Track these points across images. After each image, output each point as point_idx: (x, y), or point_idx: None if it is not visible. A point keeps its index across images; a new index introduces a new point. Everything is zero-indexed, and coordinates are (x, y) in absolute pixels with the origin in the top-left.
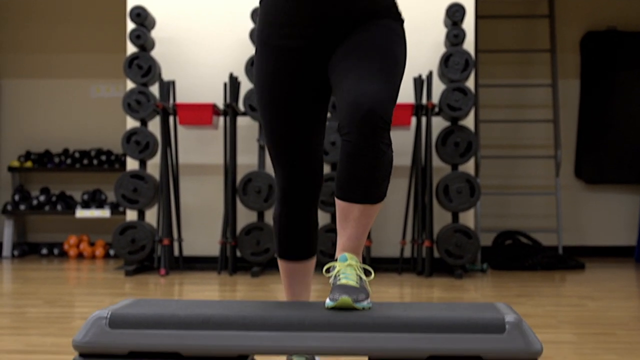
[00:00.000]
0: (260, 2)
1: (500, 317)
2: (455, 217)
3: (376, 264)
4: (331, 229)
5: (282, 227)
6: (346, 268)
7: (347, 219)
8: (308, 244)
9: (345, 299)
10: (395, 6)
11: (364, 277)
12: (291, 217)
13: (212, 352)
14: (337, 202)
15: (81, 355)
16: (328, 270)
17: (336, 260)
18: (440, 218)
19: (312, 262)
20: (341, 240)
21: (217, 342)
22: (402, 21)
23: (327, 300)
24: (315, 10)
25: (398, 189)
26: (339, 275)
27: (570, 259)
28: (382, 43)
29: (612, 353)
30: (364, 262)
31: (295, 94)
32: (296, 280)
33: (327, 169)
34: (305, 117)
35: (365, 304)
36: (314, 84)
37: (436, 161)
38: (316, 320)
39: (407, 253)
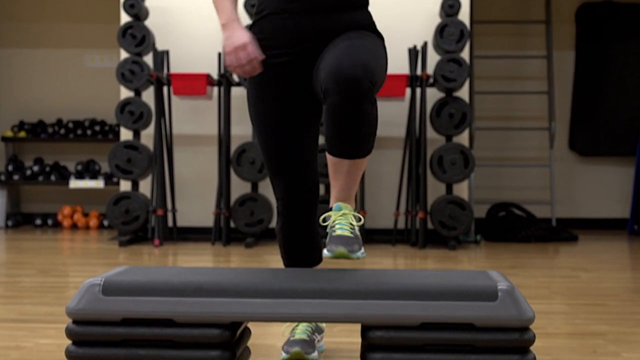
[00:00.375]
0: (250, 28)
1: (492, 284)
2: (449, 189)
3: (370, 235)
4: (325, 201)
5: (285, 239)
6: (341, 217)
7: (338, 172)
8: (312, 254)
9: (341, 250)
10: (374, 25)
11: (356, 224)
12: (292, 228)
13: (205, 319)
14: (328, 156)
15: (74, 322)
16: (325, 220)
17: (331, 209)
18: (434, 189)
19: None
20: (334, 191)
21: (210, 309)
22: (382, 38)
23: (325, 251)
24: (301, 30)
25: (392, 160)
26: (334, 226)
27: (563, 231)
28: (361, 36)
29: (604, 323)
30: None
31: (286, 107)
32: None
33: (320, 139)
34: (298, 129)
35: (359, 254)
36: (303, 97)
37: (430, 132)
38: (309, 288)
39: (401, 224)
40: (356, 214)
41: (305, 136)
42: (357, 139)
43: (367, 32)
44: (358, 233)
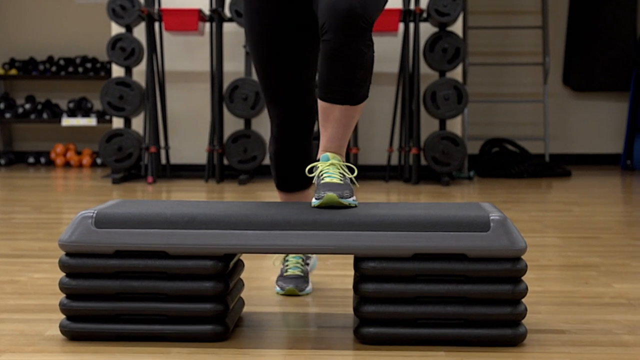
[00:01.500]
0: None
1: (485, 215)
2: (442, 125)
3: (363, 171)
4: (314, 138)
5: (279, 162)
6: (329, 167)
7: (328, 120)
8: (305, 177)
9: (330, 195)
10: None
11: (348, 174)
12: (287, 151)
13: (199, 251)
14: (319, 102)
15: (67, 254)
16: (310, 171)
17: (318, 160)
18: (428, 125)
19: (310, 190)
20: (323, 140)
21: (203, 241)
22: None
23: (313, 200)
24: None
25: (385, 96)
26: (322, 175)
27: (557, 167)
28: None
29: (596, 255)
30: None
31: (282, 25)
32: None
33: None
34: (295, 49)
35: (351, 200)
36: (301, 16)
37: (424, 68)
38: (302, 219)
39: (394, 160)
40: (349, 164)
41: (304, 60)
42: (351, 82)
43: None
44: (349, 182)
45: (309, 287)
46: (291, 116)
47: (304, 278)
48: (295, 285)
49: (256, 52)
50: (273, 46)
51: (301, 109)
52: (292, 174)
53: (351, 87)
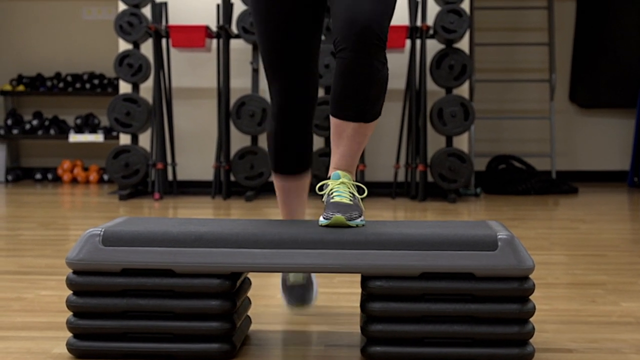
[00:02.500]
0: None
1: (492, 234)
2: (449, 141)
3: (370, 188)
4: (325, 153)
5: (278, 142)
6: (339, 185)
7: (341, 137)
8: (304, 158)
9: (338, 217)
10: None
11: (357, 194)
12: (287, 132)
13: (205, 269)
14: (332, 119)
15: (74, 272)
16: (321, 189)
17: (329, 178)
18: (434, 142)
19: (308, 177)
20: (334, 157)
21: (210, 259)
22: None
23: (321, 218)
24: None
25: (392, 112)
26: (332, 193)
27: (563, 184)
28: None
29: (602, 273)
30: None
31: (291, 4)
32: (291, 197)
33: (320, 92)
34: (301, 28)
35: (358, 221)
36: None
37: (430, 84)
38: (309, 238)
39: (401, 177)
40: (359, 184)
41: (309, 39)
42: (365, 99)
43: None
44: (359, 203)
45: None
46: (294, 92)
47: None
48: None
49: (262, 28)
50: (281, 20)
51: (305, 85)
52: (291, 155)
53: (365, 105)
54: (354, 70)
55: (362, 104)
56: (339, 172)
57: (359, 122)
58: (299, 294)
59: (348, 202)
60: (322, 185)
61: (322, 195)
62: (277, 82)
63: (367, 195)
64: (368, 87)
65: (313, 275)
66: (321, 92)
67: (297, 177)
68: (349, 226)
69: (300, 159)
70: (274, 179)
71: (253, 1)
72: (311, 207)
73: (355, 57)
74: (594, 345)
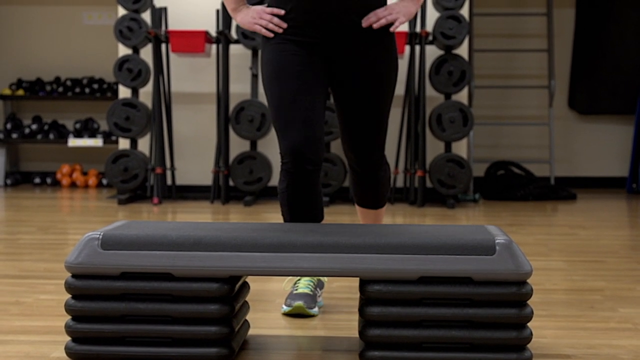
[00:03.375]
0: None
1: (490, 238)
2: (448, 147)
3: None
4: (324, 159)
5: (290, 198)
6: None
7: (366, 218)
8: (316, 211)
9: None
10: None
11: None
12: (298, 185)
13: (204, 273)
14: (357, 206)
15: (73, 276)
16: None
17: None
18: (433, 148)
19: None
20: None
21: (208, 263)
22: (392, 34)
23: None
24: (327, 10)
25: (391, 118)
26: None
27: (562, 190)
28: (380, 72)
29: (601, 279)
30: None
31: (303, 68)
32: None
33: None
34: (311, 87)
35: (315, 310)
36: (319, 68)
37: (429, 90)
38: (308, 242)
39: (400, 183)
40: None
41: (317, 92)
42: (377, 196)
43: (383, 50)
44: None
45: (316, 309)
46: (305, 141)
47: (312, 297)
48: (304, 302)
49: (274, 87)
50: (293, 79)
51: (314, 135)
52: (304, 208)
53: (378, 199)
54: (365, 181)
55: (376, 199)
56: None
57: (375, 209)
58: (302, 298)
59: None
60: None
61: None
62: (290, 133)
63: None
64: (377, 188)
65: (319, 296)
66: None
67: None
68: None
69: (314, 212)
70: None
71: (264, 66)
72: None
73: (364, 174)
74: (592, 351)
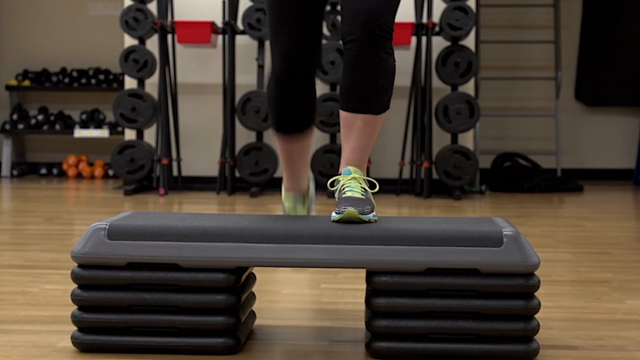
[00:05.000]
0: None
1: (497, 230)
2: (454, 138)
3: None
4: (330, 150)
5: (279, 99)
6: (350, 181)
7: (351, 130)
8: (307, 115)
9: (351, 210)
10: None
11: (368, 189)
12: (290, 86)
13: (210, 264)
14: (341, 113)
15: (79, 266)
16: (332, 184)
17: (340, 174)
18: (440, 139)
19: (311, 136)
20: (345, 152)
21: (215, 254)
22: None
23: (333, 213)
24: None
25: (397, 109)
26: (343, 189)
27: (569, 182)
28: None
29: (608, 271)
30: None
31: None
32: (295, 158)
33: (326, 89)
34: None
35: (371, 216)
36: None
37: (436, 82)
38: (314, 233)
39: (406, 174)
40: (370, 179)
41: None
42: (373, 90)
43: None
44: (371, 198)
45: (373, 214)
46: (302, 42)
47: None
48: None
49: None
50: None
51: (312, 36)
52: (292, 112)
53: (373, 95)
54: (362, 60)
55: (371, 94)
56: (350, 167)
57: (368, 114)
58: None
59: (360, 196)
60: (333, 181)
61: (333, 192)
62: (284, 35)
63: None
64: (376, 77)
65: (312, 205)
66: (326, 89)
67: (300, 136)
68: (362, 221)
69: (303, 117)
70: (277, 140)
71: None
72: (318, 203)
73: (362, 47)
74: (598, 342)
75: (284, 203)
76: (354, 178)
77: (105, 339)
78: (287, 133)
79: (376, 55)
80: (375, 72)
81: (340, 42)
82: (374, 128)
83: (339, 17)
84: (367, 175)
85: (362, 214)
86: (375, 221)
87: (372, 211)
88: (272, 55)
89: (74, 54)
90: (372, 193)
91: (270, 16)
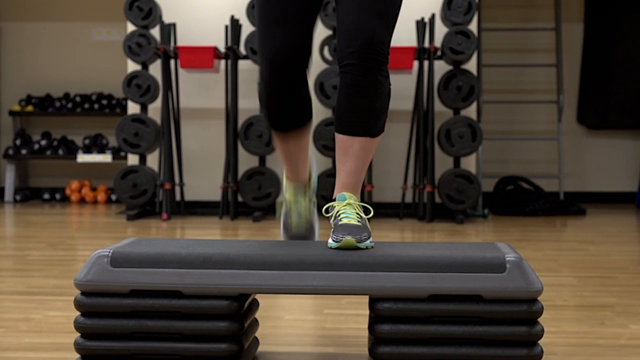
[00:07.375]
0: None
1: (500, 256)
2: (456, 162)
3: (377, 208)
4: (332, 174)
5: (270, 99)
6: (345, 207)
7: (347, 153)
8: (301, 111)
9: (348, 239)
10: None
11: (363, 215)
12: (282, 82)
13: (213, 291)
14: (338, 136)
15: (83, 293)
16: (327, 211)
17: (334, 199)
18: (442, 163)
19: (308, 134)
20: (341, 176)
21: (218, 281)
22: None
23: (330, 241)
24: None
25: (400, 133)
26: (339, 215)
27: (571, 205)
28: None
29: (611, 295)
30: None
31: None
32: (294, 157)
33: (328, 113)
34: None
35: (368, 242)
36: None
37: (438, 105)
38: (317, 260)
39: (409, 198)
40: (365, 205)
41: (310, 9)
42: (370, 113)
43: None
44: (366, 224)
45: (369, 241)
46: (294, 40)
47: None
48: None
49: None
50: None
51: (304, 35)
52: (287, 109)
53: (370, 118)
54: (359, 84)
55: (367, 118)
56: (344, 193)
57: (365, 137)
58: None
59: (356, 223)
60: (328, 208)
61: (329, 217)
62: (274, 29)
63: (374, 216)
64: (373, 100)
65: (315, 223)
66: (328, 113)
67: (296, 132)
68: (359, 248)
69: (298, 114)
70: (275, 140)
71: None
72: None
73: (359, 71)
74: None
75: (285, 194)
76: (349, 204)
77: None
78: (283, 131)
79: (373, 78)
80: (372, 95)
81: None
82: (371, 151)
83: None
84: (369, 199)
85: (359, 242)
86: (372, 247)
87: (369, 238)
88: (264, 51)
89: (77, 79)
90: (367, 219)
91: (262, 15)
